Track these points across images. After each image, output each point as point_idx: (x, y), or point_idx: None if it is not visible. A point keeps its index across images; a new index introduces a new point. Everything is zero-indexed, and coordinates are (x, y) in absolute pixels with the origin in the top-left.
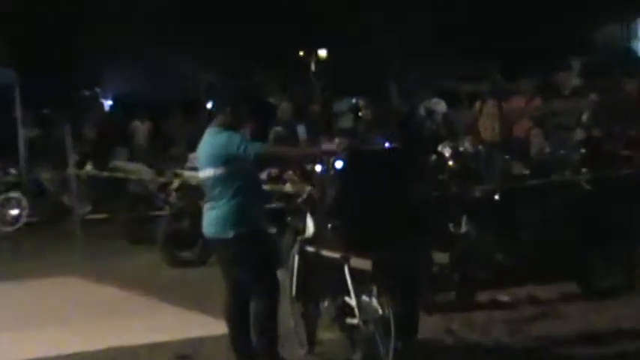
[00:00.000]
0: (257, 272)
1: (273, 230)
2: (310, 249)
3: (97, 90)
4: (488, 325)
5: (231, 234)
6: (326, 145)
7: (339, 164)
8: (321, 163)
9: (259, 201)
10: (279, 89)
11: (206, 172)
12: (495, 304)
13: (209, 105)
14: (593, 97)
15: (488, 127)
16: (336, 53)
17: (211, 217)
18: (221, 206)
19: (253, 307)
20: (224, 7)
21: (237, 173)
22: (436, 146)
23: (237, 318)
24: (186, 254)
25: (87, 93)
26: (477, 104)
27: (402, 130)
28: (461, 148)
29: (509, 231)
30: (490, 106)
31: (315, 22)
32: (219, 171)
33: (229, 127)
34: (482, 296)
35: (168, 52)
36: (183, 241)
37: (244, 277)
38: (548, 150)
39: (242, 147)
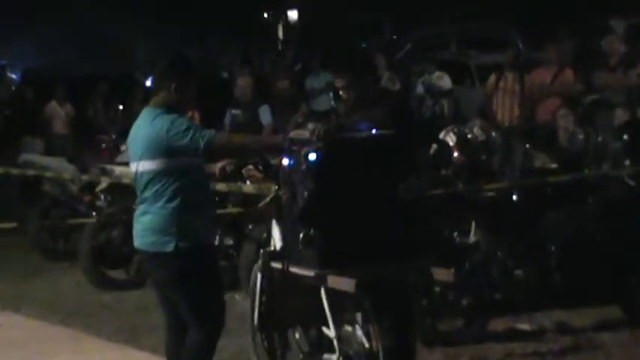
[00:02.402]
0: (196, 298)
1: (229, 242)
2: (277, 265)
3: (3, 62)
4: None
5: (170, 247)
6: (296, 133)
7: (312, 157)
8: (289, 155)
9: (206, 206)
10: (238, 61)
11: (139, 166)
12: (514, 334)
13: (148, 83)
14: None
15: (507, 107)
16: (309, 16)
17: (144, 225)
18: (157, 211)
19: (186, 341)
20: None
21: (180, 169)
22: (438, 132)
23: (179, 357)
24: (118, 273)
25: None
26: (492, 78)
27: (394, 112)
28: (469, 135)
29: (531, 241)
30: (510, 80)
31: None
32: (157, 165)
33: (172, 109)
34: (497, 324)
35: (94, 15)
36: (113, 257)
37: (179, 302)
38: (581, 137)
39: (189, 135)
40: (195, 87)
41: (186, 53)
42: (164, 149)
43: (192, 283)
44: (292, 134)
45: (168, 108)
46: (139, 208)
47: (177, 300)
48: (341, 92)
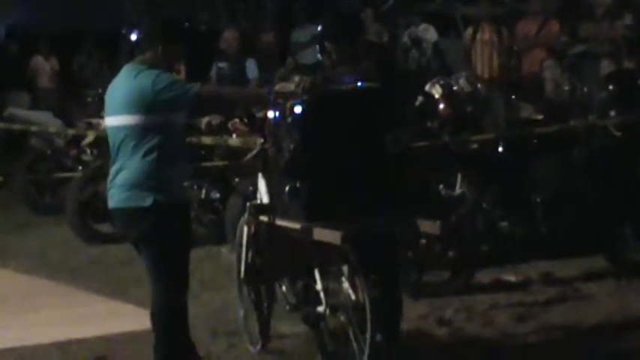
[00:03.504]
0: (165, 256)
1: (215, 196)
2: (263, 218)
3: None
4: (491, 311)
5: (148, 201)
6: (282, 85)
7: (298, 109)
8: (275, 107)
9: (183, 162)
10: (223, 14)
11: (117, 120)
12: (500, 286)
13: (133, 37)
14: (627, 18)
15: (486, 59)
16: None
17: (120, 181)
18: (134, 165)
19: (152, 301)
20: None
21: (160, 125)
22: (424, 84)
23: None
24: (105, 227)
25: None
26: (469, 30)
27: (380, 64)
28: (455, 87)
29: (517, 192)
30: (487, 32)
31: None
32: (137, 120)
33: (156, 65)
34: (483, 276)
35: None
36: (100, 211)
37: (148, 258)
38: (567, 88)
39: (175, 87)
40: (182, 50)
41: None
42: (148, 104)
43: (165, 241)
44: (278, 87)
45: (152, 64)
46: (114, 167)
47: (148, 256)
48: (328, 46)
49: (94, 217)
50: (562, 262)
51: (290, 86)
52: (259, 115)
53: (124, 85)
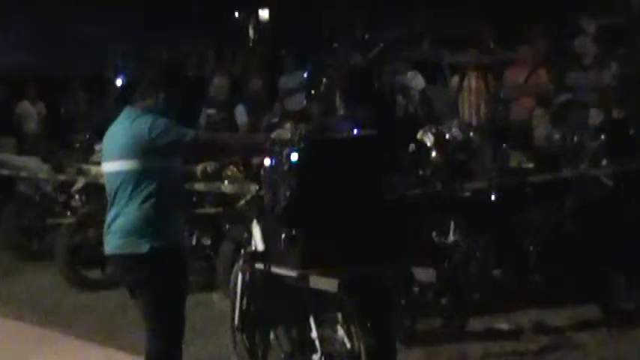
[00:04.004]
0: (161, 304)
1: (206, 242)
2: (258, 266)
3: None
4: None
5: (144, 248)
6: (278, 133)
7: (295, 157)
8: (271, 155)
9: (181, 208)
10: (212, 61)
11: (114, 166)
12: (492, 334)
13: (118, 81)
14: (613, 68)
15: (473, 107)
16: (280, 15)
17: (116, 227)
18: (131, 212)
19: (147, 349)
20: None
21: (157, 170)
22: (412, 132)
23: None
24: (95, 273)
25: None
26: (456, 78)
27: (377, 111)
28: (447, 135)
29: (510, 240)
30: (473, 80)
31: None
32: (134, 165)
33: (155, 111)
34: (476, 323)
35: (64, 11)
36: (90, 257)
37: (144, 305)
38: (557, 136)
39: (172, 133)
40: (182, 97)
41: (167, 58)
42: (145, 149)
43: (161, 287)
44: (274, 134)
45: (150, 110)
46: (111, 213)
47: (144, 303)
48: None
49: (84, 263)
50: (554, 310)
51: (286, 133)
52: (255, 161)
53: (121, 131)
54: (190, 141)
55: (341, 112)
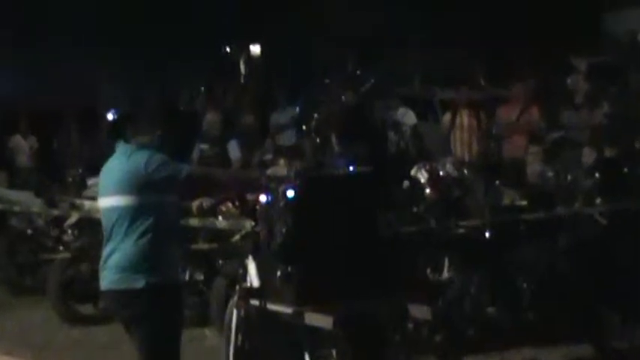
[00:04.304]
0: (156, 340)
1: (199, 277)
2: (254, 302)
3: None
4: None
5: (140, 283)
6: (274, 169)
7: (291, 193)
8: (267, 191)
9: (177, 243)
10: (204, 96)
11: (110, 201)
12: None
13: (110, 116)
14: (605, 106)
15: (465, 144)
16: (272, 50)
17: (112, 263)
18: (127, 248)
19: None
20: None
21: (153, 205)
22: (406, 168)
23: None
24: (87, 309)
25: None
26: (447, 115)
27: (373, 147)
28: (441, 172)
29: (504, 278)
30: (465, 117)
31: (245, 11)
32: (131, 201)
33: (151, 147)
34: None
35: (56, 45)
36: (82, 292)
37: (139, 341)
38: (550, 174)
39: (168, 168)
40: (177, 133)
41: (163, 96)
42: (141, 184)
43: (156, 323)
44: (270, 171)
45: (146, 147)
46: (107, 248)
47: (139, 338)
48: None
49: (77, 298)
50: (548, 348)
51: (282, 170)
52: (251, 198)
53: (117, 166)
54: (186, 176)
55: (335, 148)
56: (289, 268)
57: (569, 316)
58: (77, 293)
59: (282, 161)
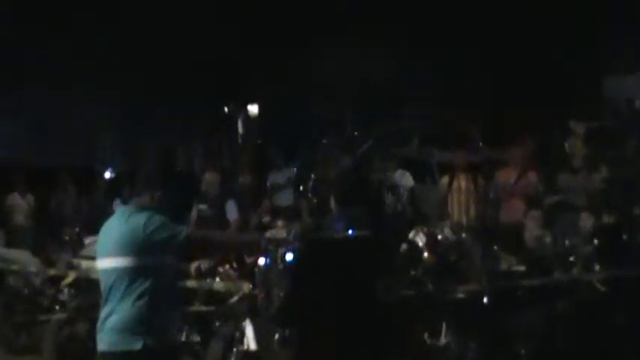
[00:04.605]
0: None
1: (196, 339)
2: None
3: None
4: None
5: (137, 345)
6: (272, 232)
7: (290, 257)
8: (266, 254)
9: (174, 305)
10: (200, 156)
11: (108, 263)
12: None
13: (107, 174)
14: (603, 171)
15: (463, 208)
16: (269, 110)
17: (110, 324)
18: (125, 309)
19: None
20: (122, 49)
21: (151, 268)
22: (403, 231)
23: None
24: None
25: None
26: (445, 179)
27: (367, 211)
28: (439, 236)
29: (501, 343)
30: (462, 181)
31: (243, 71)
32: (129, 263)
33: (151, 208)
34: None
35: (53, 103)
36: (78, 352)
37: None
38: (548, 239)
39: (167, 230)
40: (177, 194)
41: (168, 158)
42: (139, 246)
43: None
44: (269, 233)
45: (146, 207)
46: (104, 310)
47: None
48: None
49: (72, 358)
50: None
51: (282, 233)
52: (249, 260)
53: (116, 228)
54: (185, 238)
55: (333, 210)
56: (287, 332)
57: None
58: (73, 353)
59: (280, 223)
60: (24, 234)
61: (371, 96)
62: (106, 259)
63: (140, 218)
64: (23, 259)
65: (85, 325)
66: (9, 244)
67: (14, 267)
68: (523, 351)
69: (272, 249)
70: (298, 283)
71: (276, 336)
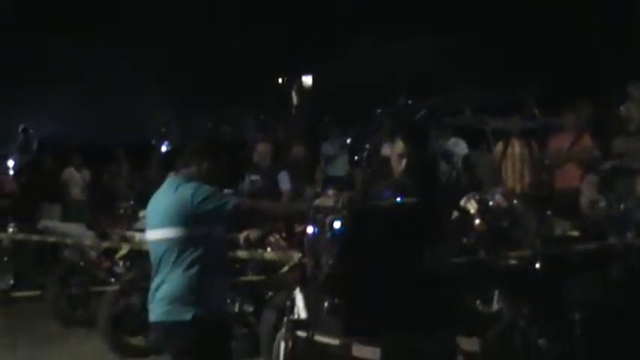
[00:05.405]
0: None
1: (249, 309)
2: (301, 333)
3: (31, 130)
4: None
5: (188, 316)
6: (321, 200)
7: (337, 225)
8: (314, 223)
9: (224, 275)
10: (254, 127)
11: (158, 234)
12: None
13: (163, 148)
14: None
15: (517, 174)
16: (323, 81)
17: (160, 295)
18: (175, 279)
19: None
20: (180, 23)
21: (201, 238)
22: (455, 198)
23: None
24: (138, 341)
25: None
26: (499, 145)
27: (422, 178)
28: (491, 203)
29: (555, 309)
30: (517, 147)
31: (298, 42)
32: (178, 233)
33: (199, 179)
34: None
35: (109, 81)
36: (133, 324)
37: None
38: (603, 204)
39: (215, 200)
40: (225, 165)
41: (215, 128)
42: (188, 217)
43: (204, 356)
44: (317, 202)
45: (193, 178)
46: (155, 280)
47: None
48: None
49: (128, 330)
50: None
51: (329, 201)
52: (298, 229)
53: (165, 199)
54: (233, 208)
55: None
56: (336, 300)
57: (622, 348)
58: (128, 325)
59: (330, 192)
60: (80, 208)
61: (424, 67)
62: (156, 230)
63: (188, 189)
64: (78, 232)
65: (139, 297)
66: (65, 218)
67: (69, 240)
68: (577, 317)
69: (320, 217)
70: (346, 251)
71: (326, 304)
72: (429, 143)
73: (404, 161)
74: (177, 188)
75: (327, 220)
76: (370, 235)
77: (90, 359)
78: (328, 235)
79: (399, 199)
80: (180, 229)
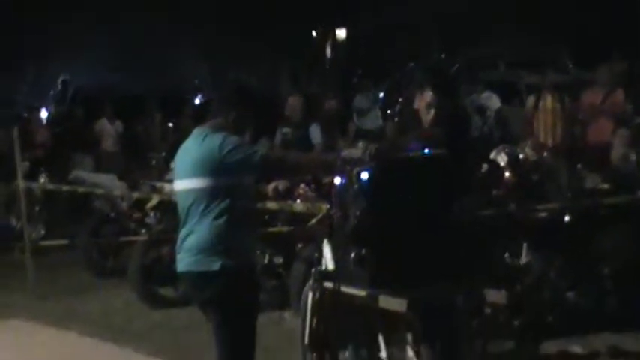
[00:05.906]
0: (234, 321)
1: (278, 261)
2: (328, 285)
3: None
4: None
5: (215, 265)
6: (348, 152)
7: (365, 176)
8: (342, 174)
9: (252, 225)
10: (287, 79)
11: (186, 184)
12: (566, 357)
13: (196, 100)
14: None
15: (549, 128)
16: (357, 34)
17: (189, 244)
18: (203, 229)
19: None
20: None
21: (229, 188)
22: (487, 152)
23: None
24: (168, 291)
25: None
26: (531, 99)
27: (451, 130)
28: (521, 155)
29: (584, 262)
30: (549, 101)
31: None
32: (206, 183)
33: (226, 129)
34: (549, 346)
35: (142, 31)
36: (163, 275)
37: (216, 325)
38: (633, 158)
39: (243, 151)
40: (254, 116)
41: (244, 77)
42: (216, 167)
43: (232, 306)
44: (344, 153)
45: (221, 129)
46: (183, 230)
47: (214, 321)
48: (421, 108)
49: (158, 280)
50: (630, 334)
51: (357, 153)
52: (326, 181)
53: (192, 149)
54: (260, 159)
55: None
56: (363, 251)
57: None
58: (158, 276)
59: (360, 144)
60: (112, 159)
61: (458, 20)
62: (183, 180)
63: (216, 139)
64: (109, 183)
65: (169, 247)
66: (97, 169)
67: (100, 191)
68: (606, 269)
69: (347, 169)
70: (373, 202)
71: (352, 255)
72: (458, 93)
73: (432, 111)
74: (204, 139)
75: (355, 171)
76: (397, 186)
77: (120, 308)
78: (355, 186)
79: (427, 151)
80: (208, 179)
